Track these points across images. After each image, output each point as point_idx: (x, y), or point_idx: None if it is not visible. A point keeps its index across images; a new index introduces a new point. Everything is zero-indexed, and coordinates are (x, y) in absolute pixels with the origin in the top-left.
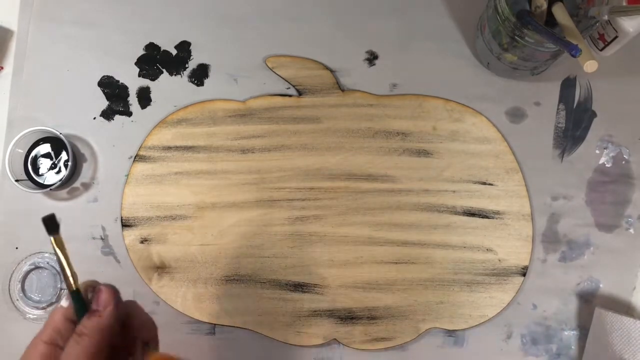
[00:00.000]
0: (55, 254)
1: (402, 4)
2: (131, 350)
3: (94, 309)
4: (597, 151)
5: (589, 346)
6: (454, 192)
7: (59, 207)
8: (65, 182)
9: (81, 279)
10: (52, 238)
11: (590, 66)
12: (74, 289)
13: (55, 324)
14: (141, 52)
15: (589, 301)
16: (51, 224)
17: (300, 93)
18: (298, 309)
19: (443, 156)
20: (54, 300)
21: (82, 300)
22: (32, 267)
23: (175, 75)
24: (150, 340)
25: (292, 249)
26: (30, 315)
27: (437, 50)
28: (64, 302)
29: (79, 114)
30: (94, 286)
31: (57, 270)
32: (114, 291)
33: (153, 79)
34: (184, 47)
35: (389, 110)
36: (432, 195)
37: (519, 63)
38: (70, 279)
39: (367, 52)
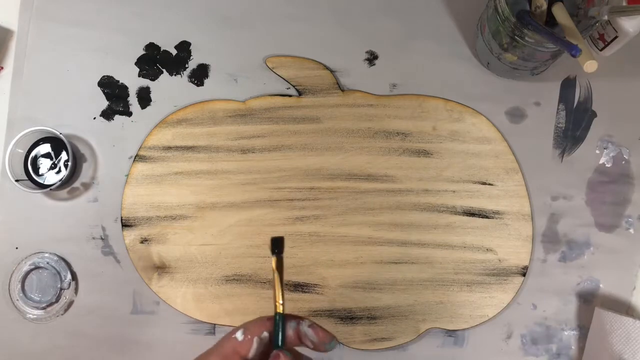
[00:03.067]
0: (273, 274)
1: (402, 4)
2: None
3: None
4: (597, 151)
5: (589, 346)
6: (454, 192)
7: (59, 207)
8: (65, 182)
9: (81, 280)
10: (274, 257)
11: (590, 66)
12: (282, 311)
13: (225, 353)
14: (141, 52)
15: (589, 301)
16: (279, 244)
17: (300, 93)
18: (298, 309)
19: (443, 156)
20: (54, 300)
21: (284, 326)
22: (32, 267)
23: (175, 75)
24: None
25: (292, 249)
26: (30, 315)
27: (437, 50)
28: (239, 335)
29: (79, 114)
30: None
31: (57, 270)
32: None
33: (153, 79)
34: (184, 47)
35: (389, 111)
36: (432, 195)
37: (519, 63)
38: (281, 301)
39: (367, 52)
